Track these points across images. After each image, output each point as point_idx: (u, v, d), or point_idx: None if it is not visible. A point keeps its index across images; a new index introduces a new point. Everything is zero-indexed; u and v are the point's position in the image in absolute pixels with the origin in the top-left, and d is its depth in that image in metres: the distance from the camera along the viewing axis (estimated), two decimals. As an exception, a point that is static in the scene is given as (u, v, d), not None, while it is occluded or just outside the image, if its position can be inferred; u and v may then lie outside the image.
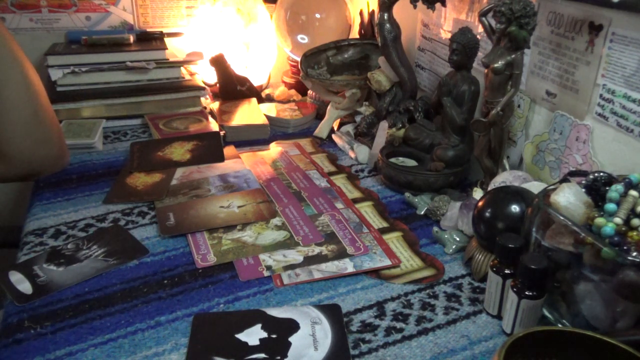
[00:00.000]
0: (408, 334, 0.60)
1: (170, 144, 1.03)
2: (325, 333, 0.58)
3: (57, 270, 0.68)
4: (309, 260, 0.71)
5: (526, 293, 0.56)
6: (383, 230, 0.79)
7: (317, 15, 1.30)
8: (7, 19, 1.21)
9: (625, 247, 0.51)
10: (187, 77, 1.21)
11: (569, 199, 0.56)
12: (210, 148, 1.02)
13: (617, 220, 0.52)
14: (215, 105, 1.21)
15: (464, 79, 0.87)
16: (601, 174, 0.57)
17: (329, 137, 1.12)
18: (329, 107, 1.14)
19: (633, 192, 0.53)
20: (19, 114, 0.63)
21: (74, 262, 0.70)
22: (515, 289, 0.57)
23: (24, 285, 0.65)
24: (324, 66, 1.14)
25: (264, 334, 0.58)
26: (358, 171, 0.99)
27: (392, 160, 0.93)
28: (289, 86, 1.36)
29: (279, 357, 0.55)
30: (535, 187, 0.70)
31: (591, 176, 0.58)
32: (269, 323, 0.60)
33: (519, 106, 0.85)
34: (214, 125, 1.11)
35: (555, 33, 0.77)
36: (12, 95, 0.62)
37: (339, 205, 0.85)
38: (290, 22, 1.30)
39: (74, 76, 1.11)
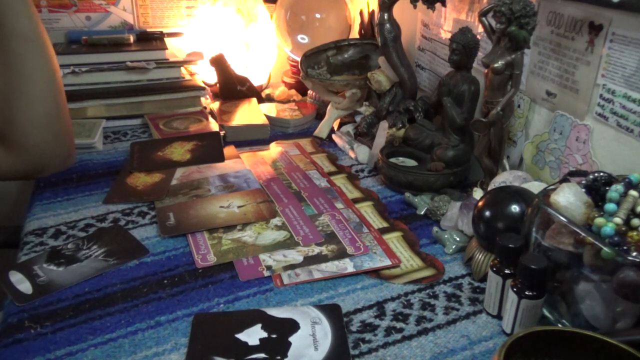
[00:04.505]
0: (408, 334, 0.60)
1: (170, 144, 1.03)
2: (325, 333, 0.58)
3: (57, 270, 0.68)
4: (309, 260, 0.71)
5: (526, 293, 0.56)
6: (383, 230, 0.79)
7: (317, 15, 1.30)
8: (7, 19, 1.21)
9: (625, 247, 0.51)
10: (187, 77, 1.21)
11: (569, 199, 0.56)
12: (210, 148, 1.02)
13: (617, 220, 0.52)
14: (215, 105, 1.21)
15: (464, 79, 0.87)
16: (601, 174, 0.57)
17: (329, 137, 1.12)
18: (329, 107, 1.14)
19: (633, 192, 0.53)
20: (43, 105, 0.64)
21: (74, 262, 0.70)
22: (515, 289, 0.57)
23: (24, 285, 0.65)
24: (324, 66, 1.14)
25: (264, 334, 0.58)
26: (358, 171, 0.99)
27: (392, 160, 0.93)
28: (289, 86, 1.36)
29: (279, 357, 0.55)
30: (535, 187, 0.70)
31: (591, 176, 0.58)
32: (269, 323, 0.60)
33: (519, 106, 0.85)
34: (214, 125, 1.11)
35: (555, 33, 0.77)
36: (40, 86, 0.63)
37: (339, 205, 0.85)
38: (290, 22, 1.30)
39: (74, 76, 1.11)
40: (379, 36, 1.00)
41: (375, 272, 0.70)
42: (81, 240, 0.74)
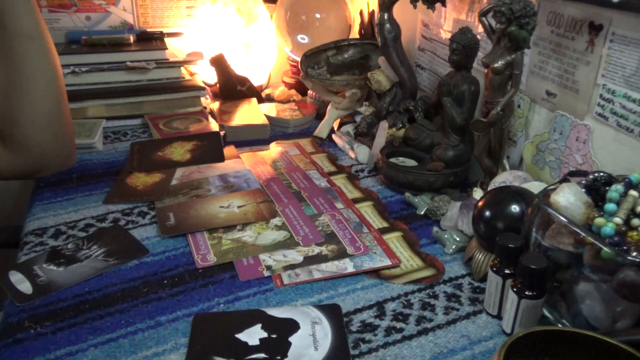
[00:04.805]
0: (408, 334, 0.60)
1: (170, 144, 1.03)
2: (325, 333, 0.58)
3: (57, 270, 0.68)
4: (309, 260, 0.71)
5: (526, 293, 0.56)
6: (383, 230, 0.79)
7: (317, 15, 1.30)
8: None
9: (625, 247, 0.51)
10: (187, 77, 1.21)
11: (569, 199, 0.56)
12: (210, 148, 1.02)
13: (617, 220, 0.52)
14: (215, 105, 1.21)
15: (464, 79, 0.87)
16: (601, 174, 0.57)
17: (329, 137, 1.12)
18: (329, 107, 1.14)
19: (633, 192, 0.53)
20: (44, 105, 0.64)
21: (74, 262, 0.70)
22: (515, 289, 0.57)
23: (24, 285, 0.65)
24: (324, 66, 1.14)
25: (264, 334, 0.58)
26: (358, 171, 0.99)
27: (392, 160, 0.93)
28: (289, 86, 1.36)
29: (279, 357, 0.55)
30: (535, 187, 0.70)
31: (591, 176, 0.58)
32: (269, 323, 0.60)
33: (519, 106, 0.85)
34: (214, 125, 1.11)
35: (555, 33, 0.77)
36: (42, 85, 0.63)
37: (339, 205, 0.85)
38: (290, 22, 1.30)
39: (74, 76, 1.11)
40: (379, 36, 1.00)
41: (375, 272, 0.70)
42: (81, 240, 0.74)
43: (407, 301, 0.65)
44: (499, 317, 0.62)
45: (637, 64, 0.65)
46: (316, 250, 0.73)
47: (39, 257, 0.71)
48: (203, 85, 1.20)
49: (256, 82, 1.32)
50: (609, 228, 0.52)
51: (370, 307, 0.64)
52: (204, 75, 1.27)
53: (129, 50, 1.18)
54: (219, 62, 1.20)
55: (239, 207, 0.83)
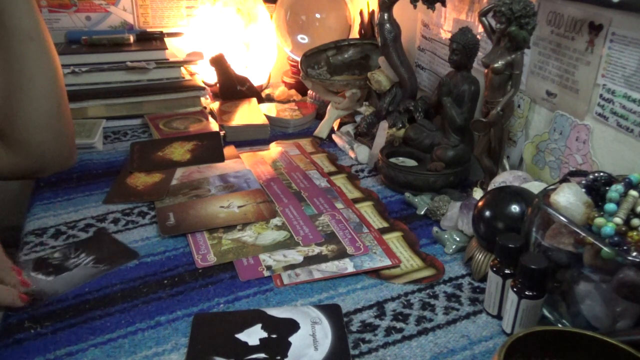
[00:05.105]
0: (408, 334, 0.60)
1: (170, 144, 1.03)
2: (325, 333, 0.58)
3: (45, 280, 0.66)
4: (309, 260, 0.71)
5: (526, 293, 0.56)
6: (383, 230, 0.79)
7: (317, 15, 1.30)
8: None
9: (625, 247, 0.51)
10: (187, 77, 1.21)
11: (569, 199, 0.56)
12: (210, 148, 1.02)
13: (617, 220, 0.52)
14: (215, 105, 1.21)
15: (464, 79, 0.87)
16: (601, 174, 0.57)
17: (329, 137, 1.12)
18: (329, 107, 1.14)
19: (633, 192, 0.53)
20: (44, 104, 0.64)
21: (62, 271, 0.68)
22: (515, 289, 0.57)
23: None
24: (324, 66, 1.14)
25: (264, 334, 0.58)
26: (358, 171, 0.99)
27: (392, 160, 0.93)
28: (289, 86, 1.36)
29: (279, 357, 0.55)
30: (535, 187, 0.70)
31: (591, 176, 0.58)
32: (269, 323, 0.60)
33: (519, 106, 0.85)
34: (214, 125, 1.11)
35: (555, 33, 0.77)
36: (42, 85, 0.63)
37: (339, 205, 0.85)
38: (290, 22, 1.30)
39: (74, 76, 1.11)
40: (379, 36, 1.00)
41: (375, 272, 0.70)
42: (68, 249, 0.72)
43: (407, 301, 0.65)
44: (499, 317, 0.62)
45: (637, 64, 0.65)
46: (316, 250, 0.73)
47: (25, 264, 0.69)
48: (203, 85, 1.20)
49: (256, 82, 1.32)
50: (609, 228, 0.52)
51: (370, 307, 0.64)
52: (204, 75, 1.27)
53: (129, 50, 1.18)
54: (219, 62, 1.20)
55: (239, 207, 0.83)
